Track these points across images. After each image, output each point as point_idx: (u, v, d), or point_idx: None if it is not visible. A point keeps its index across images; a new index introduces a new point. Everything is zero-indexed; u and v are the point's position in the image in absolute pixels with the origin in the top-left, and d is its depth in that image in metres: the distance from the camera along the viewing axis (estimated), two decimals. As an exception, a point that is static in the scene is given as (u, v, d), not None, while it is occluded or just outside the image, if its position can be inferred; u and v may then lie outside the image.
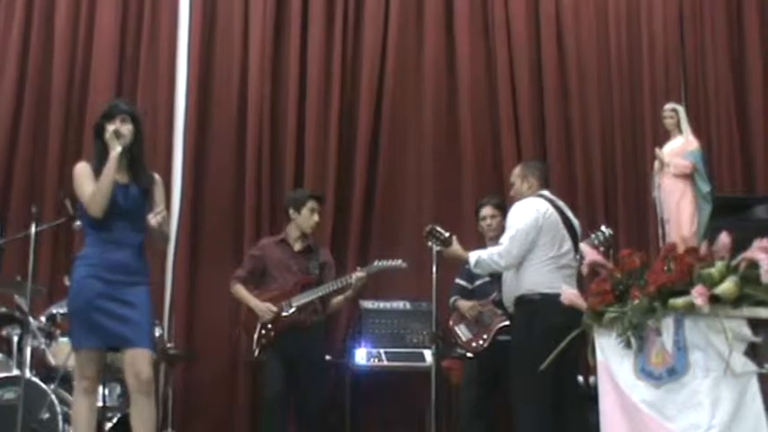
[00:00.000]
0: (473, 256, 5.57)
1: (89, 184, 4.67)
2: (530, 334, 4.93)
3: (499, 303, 5.96)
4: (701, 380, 3.55)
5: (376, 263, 6.52)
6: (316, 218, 6.45)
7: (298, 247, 6.46)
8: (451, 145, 8.12)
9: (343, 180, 7.93)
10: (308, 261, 6.45)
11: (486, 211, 6.46)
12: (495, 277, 5.99)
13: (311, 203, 6.44)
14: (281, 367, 6.21)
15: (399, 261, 6.47)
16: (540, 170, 5.90)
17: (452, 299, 6.54)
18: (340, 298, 6.50)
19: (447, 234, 5.72)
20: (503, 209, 6.51)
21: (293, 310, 6.25)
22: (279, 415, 6.22)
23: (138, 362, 4.60)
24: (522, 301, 5.45)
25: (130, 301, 4.63)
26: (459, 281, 6.57)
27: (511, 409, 6.19)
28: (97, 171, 4.68)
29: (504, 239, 5.48)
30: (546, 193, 5.72)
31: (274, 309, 6.23)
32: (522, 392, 5.35)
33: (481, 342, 6.24)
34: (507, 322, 6.17)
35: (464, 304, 6.39)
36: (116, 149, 4.64)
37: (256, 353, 6.32)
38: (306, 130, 7.96)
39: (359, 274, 6.32)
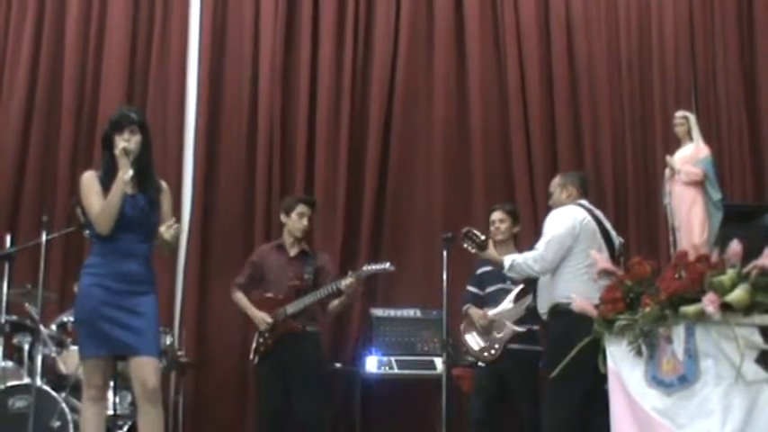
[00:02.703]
0: (507, 259, 5.56)
1: (96, 199, 4.63)
2: (565, 344, 4.91)
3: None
4: (712, 387, 3.54)
5: (364, 267, 6.50)
6: (304, 222, 6.45)
7: (293, 252, 6.48)
8: (462, 154, 8.12)
9: (354, 188, 7.94)
10: (303, 266, 6.45)
11: (496, 215, 6.46)
12: (526, 284, 6.00)
13: (300, 208, 6.46)
14: (276, 380, 6.22)
15: (387, 264, 6.45)
16: (579, 179, 5.88)
17: (465, 306, 6.52)
18: (335, 303, 6.48)
19: (483, 237, 5.72)
20: (513, 215, 6.52)
21: (287, 315, 6.25)
22: (277, 429, 6.24)
23: (143, 370, 4.58)
24: (557, 309, 5.40)
25: (136, 310, 4.61)
26: (470, 288, 6.56)
27: (518, 417, 6.20)
28: (103, 183, 4.65)
29: (540, 245, 5.46)
30: (584, 202, 5.70)
31: (269, 320, 6.24)
32: (552, 400, 5.33)
33: (493, 352, 6.22)
34: (518, 329, 6.17)
35: (475, 312, 6.37)
36: (124, 174, 4.59)
37: (255, 361, 6.33)
38: (316, 138, 7.98)
39: (348, 280, 6.30)
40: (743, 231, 5.93)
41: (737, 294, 3.53)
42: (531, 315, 6.15)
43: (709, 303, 3.51)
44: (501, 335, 6.22)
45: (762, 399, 3.50)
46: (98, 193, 4.64)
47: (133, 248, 4.69)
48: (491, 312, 6.30)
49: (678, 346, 3.70)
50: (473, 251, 5.77)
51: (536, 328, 6.25)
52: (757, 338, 3.53)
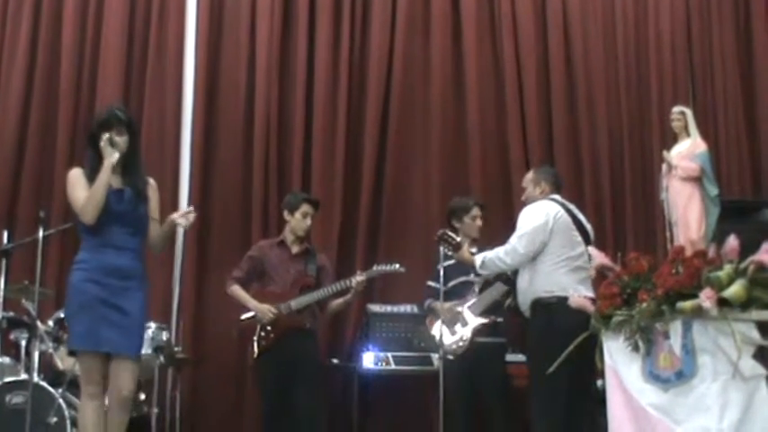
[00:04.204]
0: (479, 257, 5.60)
1: (81, 191, 4.65)
2: (548, 337, 4.93)
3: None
4: (709, 383, 3.54)
5: (375, 267, 6.51)
6: (308, 222, 6.44)
7: (295, 249, 6.46)
8: (459, 148, 8.12)
9: (351, 184, 7.93)
10: (306, 264, 6.44)
11: (478, 211, 6.46)
12: (498, 279, 6.02)
13: (305, 207, 6.44)
14: (276, 375, 6.20)
15: (397, 265, 6.46)
16: (552, 175, 5.91)
17: (427, 302, 6.48)
18: (339, 301, 6.48)
19: (458, 239, 5.77)
20: (484, 211, 6.53)
21: (292, 310, 6.24)
22: (278, 427, 6.24)
23: (122, 376, 4.61)
24: (538, 304, 5.43)
25: (124, 308, 4.62)
26: (431, 283, 6.43)
27: (490, 408, 6.20)
28: (90, 179, 4.66)
29: (512, 239, 5.49)
30: (557, 196, 5.72)
31: (275, 310, 6.22)
32: (538, 395, 5.34)
33: (461, 344, 6.20)
34: (484, 320, 6.18)
35: (439, 306, 6.28)
36: (111, 158, 4.62)
37: (255, 354, 6.30)
38: (313, 134, 7.97)
39: (359, 278, 6.31)
40: (740, 226, 5.93)
41: (735, 290, 3.53)
42: (495, 307, 6.19)
43: (706, 299, 3.52)
44: (467, 327, 6.22)
45: (759, 394, 3.51)
46: (84, 186, 4.66)
47: (122, 242, 4.69)
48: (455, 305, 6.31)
49: (675, 341, 3.71)
50: (449, 253, 5.87)
51: (500, 320, 6.27)
52: (755, 334, 3.54)
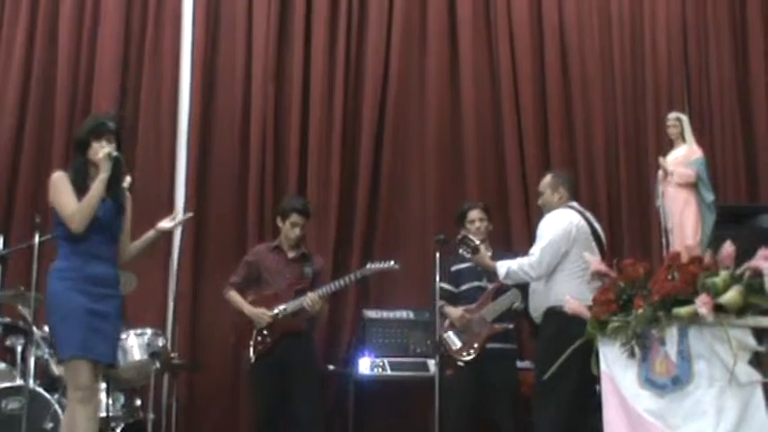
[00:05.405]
0: (502, 266, 5.55)
1: (70, 197, 4.69)
2: (559, 345, 4.90)
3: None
4: (705, 389, 3.54)
5: (368, 265, 6.49)
6: (296, 231, 6.42)
7: (291, 254, 6.46)
8: (455, 152, 8.11)
9: (347, 186, 7.93)
10: (303, 268, 6.44)
11: (476, 213, 6.40)
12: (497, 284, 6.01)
13: (294, 217, 6.41)
14: (273, 379, 6.20)
15: (392, 262, 6.44)
16: (569, 181, 5.86)
17: (439, 304, 6.46)
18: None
19: (477, 242, 5.74)
20: (489, 213, 6.49)
21: (287, 313, 6.23)
22: (272, 429, 6.24)
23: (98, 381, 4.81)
24: (552, 312, 5.38)
25: (106, 314, 4.70)
26: (443, 285, 6.28)
27: (500, 413, 6.19)
28: (75, 184, 4.71)
29: (536, 250, 5.45)
30: (575, 204, 5.70)
31: (270, 314, 6.22)
32: (542, 400, 5.32)
33: (472, 351, 6.20)
34: (497, 327, 6.19)
35: (453, 312, 6.29)
36: (107, 172, 4.69)
37: (253, 360, 6.29)
38: (309, 137, 7.96)
39: (308, 298, 6.24)
40: (736, 232, 5.94)
41: (730, 296, 3.53)
42: (506, 313, 6.19)
43: (702, 305, 3.52)
44: (479, 334, 6.21)
45: (754, 400, 3.51)
46: (71, 192, 4.70)
47: (102, 251, 4.77)
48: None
49: (671, 347, 3.71)
50: (468, 256, 5.81)
51: (511, 326, 6.28)
52: (750, 340, 3.54)
